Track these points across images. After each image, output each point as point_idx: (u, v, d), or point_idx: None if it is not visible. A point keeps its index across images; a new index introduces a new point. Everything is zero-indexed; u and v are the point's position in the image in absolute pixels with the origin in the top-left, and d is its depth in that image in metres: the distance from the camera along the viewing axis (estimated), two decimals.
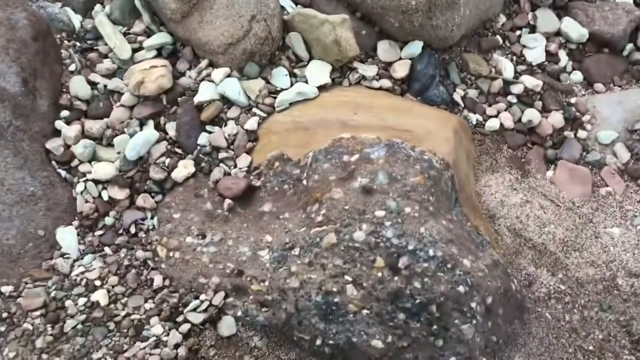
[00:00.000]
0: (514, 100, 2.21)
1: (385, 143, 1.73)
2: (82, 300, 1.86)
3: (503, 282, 1.76)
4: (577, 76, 2.32)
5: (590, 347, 1.90)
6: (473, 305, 1.65)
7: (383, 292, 1.65)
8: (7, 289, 1.87)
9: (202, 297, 1.85)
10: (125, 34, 2.27)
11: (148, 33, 2.27)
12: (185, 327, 1.82)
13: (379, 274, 1.65)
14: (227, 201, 1.96)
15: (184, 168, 2.04)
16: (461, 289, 1.63)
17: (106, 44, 2.21)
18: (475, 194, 2.00)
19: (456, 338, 1.65)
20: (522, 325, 1.86)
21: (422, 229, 1.64)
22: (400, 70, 2.14)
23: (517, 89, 2.21)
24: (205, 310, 1.83)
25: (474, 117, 2.17)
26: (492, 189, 2.03)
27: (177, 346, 1.80)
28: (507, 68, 2.23)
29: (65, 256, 1.93)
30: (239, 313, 1.82)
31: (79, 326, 1.83)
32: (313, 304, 1.70)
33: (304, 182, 1.83)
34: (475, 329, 1.66)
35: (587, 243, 2.02)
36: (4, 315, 1.84)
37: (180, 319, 1.83)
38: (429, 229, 1.64)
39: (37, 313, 1.83)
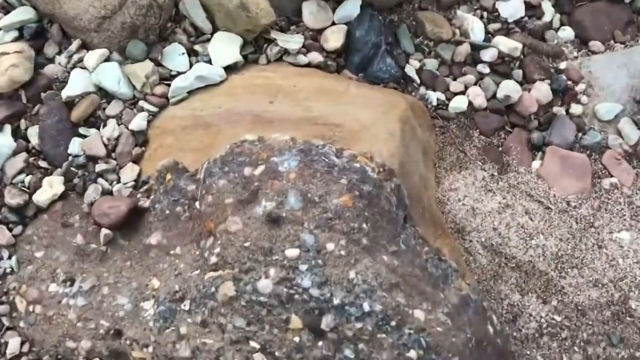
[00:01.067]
0: (486, 70, 1.68)
1: (299, 148, 1.22)
2: None
3: (475, 328, 1.27)
4: (567, 33, 1.79)
5: None
6: None
7: None
8: None
9: None
10: None
11: (7, 8, 1.72)
12: None
13: (296, 339, 1.15)
14: (104, 232, 1.46)
15: (50, 188, 1.53)
16: (413, 354, 1.14)
17: None
18: (437, 202, 1.49)
19: None
20: None
21: (352, 272, 1.14)
22: (333, 39, 1.62)
23: (489, 54, 1.68)
24: None
25: (434, 96, 1.65)
26: (459, 193, 1.53)
27: None
28: (476, 28, 1.70)
29: None
30: None
31: None
32: None
33: (197, 204, 1.32)
34: None
35: (588, 256, 1.53)
36: None
37: None
38: (361, 273, 1.14)
39: None
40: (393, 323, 1.14)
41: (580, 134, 1.69)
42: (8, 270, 1.49)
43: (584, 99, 1.71)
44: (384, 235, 1.21)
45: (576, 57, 1.77)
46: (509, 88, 1.65)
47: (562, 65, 1.73)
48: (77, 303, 1.38)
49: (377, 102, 1.44)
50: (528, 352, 1.44)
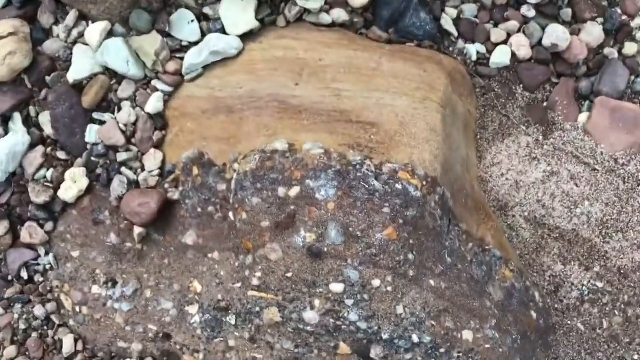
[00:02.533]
0: (531, 12, 1.50)
1: (336, 170, 1.13)
2: None
3: (520, 323, 1.28)
4: None
5: (635, 357, 1.48)
6: None
7: None
8: None
9: None
10: None
11: None
12: None
13: None
14: (137, 230, 1.44)
15: (73, 183, 1.48)
16: None
17: None
18: (479, 181, 1.42)
19: None
20: (546, 351, 1.41)
21: (400, 307, 1.12)
22: None
23: None
24: None
25: (474, 50, 1.49)
26: (502, 168, 1.44)
27: None
28: None
29: None
30: None
31: None
32: None
33: (231, 215, 1.27)
34: None
35: (634, 219, 1.48)
36: None
37: None
38: (409, 306, 1.13)
39: None
40: (442, 350, 1.15)
41: (633, 78, 1.54)
42: (47, 267, 1.50)
43: (639, 35, 1.54)
44: (430, 257, 1.17)
45: None
46: (557, 35, 1.48)
47: None
48: (122, 307, 1.40)
49: (414, 84, 1.30)
50: (569, 322, 1.46)
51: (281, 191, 1.17)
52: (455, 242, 1.24)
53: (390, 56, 1.36)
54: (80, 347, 1.47)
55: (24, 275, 1.50)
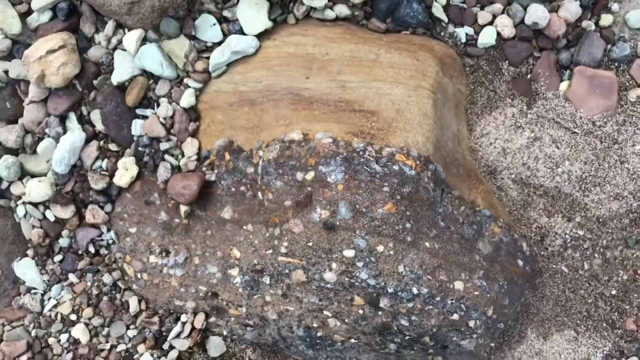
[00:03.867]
0: None
1: (343, 157, 1.37)
2: (64, 337, 1.77)
3: (507, 271, 1.53)
4: None
5: (613, 292, 1.72)
6: (472, 323, 1.46)
7: (368, 327, 1.46)
8: None
9: (183, 317, 1.73)
10: None
11: None
12: (174, 354, 1.73)
13: (360, 311, 1.44)
14: (183, 208, 1.70)
15: (125, 171, 1.74)
16: (455, 316, 1.43)
17: None
18: (471, 151, 1.64)
19: (457, 352, 1.50)
20: (533, 292, 1.66)
21: (401, 267, 1.37)
22: None
23: None
24: (189, 336, 1.71)
25: (463, 33, 1.68)
26: (490, 137, 1.65)
27: None
28: None
29: (32, 291, 1.80)
30: (225, 332, 1.71)
31: None
32: (296, 336, 1.55)
33: (260, 195, 1.52)
34: (477, 340, 1.49)
35: (610, 174, 1.69)
36: None
37: (166, 345, 1.73)
38: (409, 265, 1.38)
39: (25, 357, 1.77)
40: (438, 298, 1.41)
41: (609, 47, 1.71)
42: (110, 242, 1.79)
43: (614, 7, 1.70)
44: (425, 223, 1.41)
45: None
46: (537, 14, 1.65)
47: None
48: (176, 273, 1.68)
49: (408, 72, 1.51)
50: (554, 266, 1.70)
51: (299, 175, 1.42)
52: (448, 207, 1.48)
53: (387, 47, 1.57)
54: (143, 306, 1.77)
55: (92, 249, 1.79)
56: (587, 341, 1.71)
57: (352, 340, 1.50)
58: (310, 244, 1.41)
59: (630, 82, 1.71)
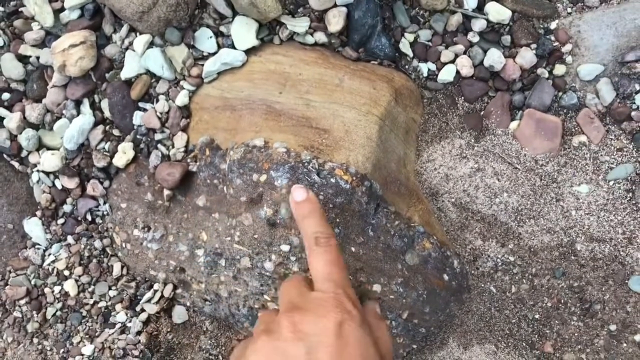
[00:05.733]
0: (476, 38, 1.86)
1: (290, 165, 1.60)
2: (57, 289, 2.07)
3: (429, 282, 1.73)
4: None
5: (537, 316, 1.89)
6: (387, 323, 1.66)
7: None
8: None
9: (155, 286, 2.00)
10: None
11: None
12: (144, 316, 2.00)
13: None
14: (166, 192, 1.97)
15: (123, 154, 2.02)
16: None
17: None
18: (415, 174, 1.84)
19: None
20: (459, 305, 1.85)
21: None
22: (335, 22, 1.84)
23: (478, 25, 1.84)
24: (158, 302, 1.98)
25: (425, 68, 1.88)
26: (435, 164, 1.85)
27: (139, 333, 2.01)
28: None
29: (36, 246, 2.10)
30: (188, 303, 1.96)
31: (58, 313, 2.07)
32: (242, 314, 1.80)
33: (225, 189, 1.77)
34: (394, 338, 1.70)
35: (545, 209, 1.86)
36: None
37: (139, 308, 2.01)
38: None
39: (23, 302, 2.08)
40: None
41: (560, 94, 1.88)
42: (105, 212, 2.07)
43: (569, 59, 1.86)
44: (354, 231, 1.63)
45: (569, 14, 1.87)
46: (493, 59, 1.84)
47: (553, 25, 1.86)
48: (152, 247, 1.95)
49: (363, 99, 1.73)
50: (482, 285, 1.88)
51: (255, 177, 1.66)
52: (382, 219, 1.69)
53: (352, 74, 1.79)
54: (124, 272, 2.05)
55: (89, 217, 2.08)
56: (505, 357, 1.88)
57: None
58: (256, 236, 1.65)
59: (576, 129, 1.88)
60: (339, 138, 1.66)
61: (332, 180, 1.59)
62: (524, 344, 1.89)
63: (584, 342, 1.87)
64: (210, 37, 1.94)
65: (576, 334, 1.87)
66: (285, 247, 1.61)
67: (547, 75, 1.87)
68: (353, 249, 1.63)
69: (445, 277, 1.77)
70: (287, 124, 1.73)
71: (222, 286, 1.81)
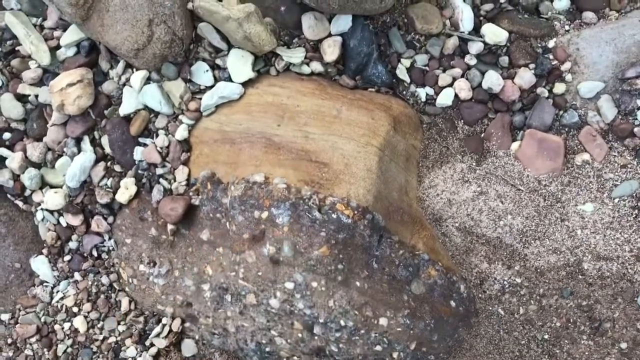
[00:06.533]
0: (473, 61, 1.84)
1: (291, 202, 1.60)
2: (66, 325, 2.08)
3: (436, 311, 1.72)
4: (563, 3, 1.85)
5: (546, 336, 1.88)
6: (395, 355, 1.66)
7: (306, 348, 1.69)
8: (5, 317, 2.12)
9: (164, 320, 2.01)
10: (42, 28, 2.07)
11: (64, 25, 2.05)
12: (153, 350, 2.01)
13: (300, 335, 1.68)
14: (170, 227, 1.97)
15: (126, 190, 2.02)
16: (379, 348, 1.64)
17: None
18: (418, 200, 1.84)
19: None
20: (468, 330, 1.85)
21: (331, 301, 1.60)
22: (330, 52, 1.83)
23: (475, 48, 1.82)
24: (167, 336, 1.99)
25: (423, 93, 1.87)
26: (437, 189, 1.84)
27: None
28: (466, 18, 1.81)
29: (44, 284, 2.11)
30: (197, 337, 1.97)
31: (69, 349, 2.08)
32: (250, 348, 1.80)
33: (227, 225, 1.77)
34: None
35: (550, 229, 1.85)
36: (9, 341, 2.11)
37: (148, 342, 2.02)
38: (338, 301, 1.60)
39: (34, 339, 2.09)
40: (362, 331, 1.62)
41: (561, 112, 1.86)
42: (110, 248, 2.08)
43: (568, 77, 1.85)
44: (358, 265, 1.63)
45: (567, 31, 1.85)
46: (491, 81, 1.82)
47: (551, 43, 1.84)
48: (159, 282, 1.96)
49: (362, 130, 1.72)
50: (490, 308, 1.88)
51: (256, 214, 1.66)
52: (386, 250, 1.69)
53: (349, 105, 1.78)
54: (132, 306, 2.06)
55: (95, 253, 2.09)
56: None
57: (295, 358, 1.74)
58: (260, 273, 1.65)
59: (578, 147, 1.86)
60: (339, 171, 1.65)
61: (334, 215, 1.59)
62: None
63: None
64: (207, 70, 1.93)
65: (587, 353, 1.86)
66: (289, 285, 1.61)
67: (547, 94, 1.86)
68: (358, 283, 1.63)
69: (452, 303, 1.77)
70: (287, 158, 1.73)
71: (230, 321, 1.81)
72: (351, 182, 1.64)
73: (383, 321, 1.64)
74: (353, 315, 1.62)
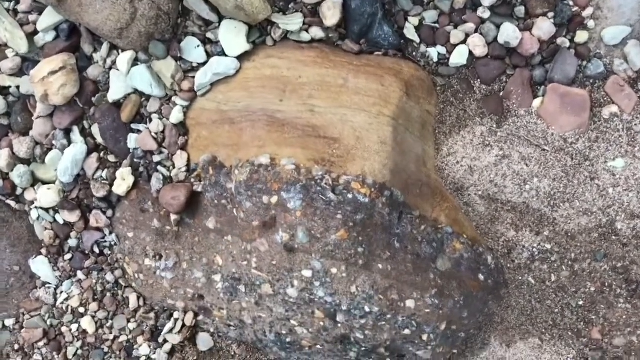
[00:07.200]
0: (487, 14, 1.69)
1: (302, 185, 1.47)
2: (74, 327, 1.98)
3: (465, 286, 1.61)
4: None
5: (581, 302, 1.78)
6: (425, 337, 1.56)
7: (329, 337, 1.59)
8: (10, 322, 2.03)
9: (175, 315, 1.90)
10: (15, 12, 1.91)
11: (39, 8, 1.89)
12: (168, 347, 1.91)
13: (321, 323, 1.57)
14: (173, 217, 1.85)
15: (123, 180, 1.89)
16: (407, 331, 1.53)
17: None
18: (437, 170, 1.70)
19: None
20: (498, 302, 1.74)
21: (353, 287, 1.48)
22: (330, 15, 1.68)
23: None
24: (180, 331, 1.89)
25: (435, 52, 1.72)
26: (457, 157, 1.71)
27: None
28: None
29: (46, 286, 2.01)
30: (212, 329, 1.87)
31: (79, 352, 1.98)
32: (269, 339, 1.70)
33: (234, 212, 1.65)
34: (433, 349, 1.60)
35: (579, 190, 1.72)
36: (16, 347, 2.02)
37: (161, 339, 1.92)
38: (360, 286, 1.49)
39: (42, 343, 1.99)
40: (389, 316, 1.51)
41: (584, 63, 1.72)
42: (112, 243, 1.96)
43: (591, 24, 1.70)
44: (379, 246, 1.51)
45: None
46: (508, 34, 1.67)
47: None
48: (167, 276, 1.85)
49: (372, 99, 1.58)
50: (520, 278, 1.77)
51: (265, 199, 1.53)
52: (407, 227, 1.57)
53: (356, 72, 1.63)
54: (141, 303, 1.95)
55: (96, 250, 1.97)
56: (552, 349, 1.78)
57: (318, 347, 1.64)
58: (274, 262, 1.53)
59: (605, 99, 1.72)
60: (350, 146, 1.52)
61: (349, 196, 1.46)
62: (570, 333, 1.78)
63: (634, 324, 1.76)
64: (198, 46, 1.78)
65: (624, 317, 1.76)
66: (307, 273, 1.50)
67: (568, 44, 1.71)
68: (380, 266, 1.51)
69: (481, 276, 1.66)
70: (293, 136, 1.60)
71: (245, 312, 1.71)
72: (365, 157, 1.51)
73: (410, 303, 1.53)
74: (378, 300, 1.51)
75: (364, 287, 1.50)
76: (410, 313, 1.53)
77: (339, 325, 1.56)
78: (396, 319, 1.53)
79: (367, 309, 1.51)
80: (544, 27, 1.68)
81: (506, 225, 1.75)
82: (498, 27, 1.70)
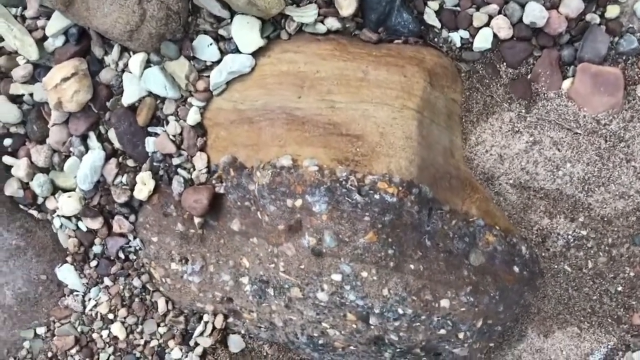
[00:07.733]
0: None
1: (327, 187, 1.42)
2: (105, 333, 1.97)
3: (500, 281, 1.56)
4: None
5: (619, 288, 1.72)
6: (461, 335, 1.52)
7: (362, 339, 1.56)
8: (41, 330, 2.03)
9: (205, 317, 1.88)
10: (23, 18, 1.87)
11: (47, 13, 1.85)
12: (199, 350, 1.90)
13: (354, 326, 1.54)
14: (197, 219, 1.82)
15: (143, 185, 1.86)
16: (443, 331, 1.49)
17: None
18: (465, 161, 1.64)
19: (450, 359, 1.57)
20: (534, 293, 1.69)
21: (385, 290, 1.44)
22: (346, 4, 1.61)
23: None
24: (211, 334, 1.87)
25: (458, 37, 1.64)
26: (486, 145, 1.64)
27: None
28: None
29: (74, 293, 2.00)
30: (242, 331, 1.85)
31: (111, 357, 1.98)
32: (301, 341, 1.67)
33: (258, 215, 1.61)
34: (470, 346, 1.56)
35: (615, 173, 1.65)
36: (49, 354, 2.02)
37: (192, 342, 1.90)
38: (392, 288, 1.44)
39: (74, 351, 2.00)
40: (423, 317, 1.47)
41: (616, 39, 1.63)
42: (137, 248, 1.94)
43: None
44: (410, 246, 1.46)
45: None
46: (534, 13, 1.59)
47: None
48: (194, 280, 1.82)
49: (394, 92, 1.51)
50: (556, 266, 1.71)
51: (289, 202, 1.49)
52: (437, 224, 1.51)
53: (376, 63, 1.57)
54: (170, 307, 1.94)
55: (121, 255, 1.95)
56: (591, 337, 1.73)
57: (352, 348, 1.61)
58: (302, 266, 1.50)
59: (639, 77, 1.64)
60: (374, 144, 1.46)
61: (376, 196, 1.41)
62: (610, 320, 1.73)
63: None
64: (210, 44, 1.73)
65: None
66: (336, 277, 1.46)
67: (598, 20, 1.62)
68: (412, 266, 1.47)
69: (515, 268, 1.61)
70: (314, 134, 1.54)
71: (275, 315, 1.68)
72: (390, 154, 1.45)
73: (445, 303, 1.49)
74: (411, 302, 1.46)
75: (396, 289, 1.46)
76: (445, 313, 1.49)
77: (372, 327, 1.53)
78: (431, 320, 1.49)
79: (400, 311, 1.47)
80: (572, 3, 1.59)
81: (539, 214, 1.69)
82: (523, 6, 1.61)
